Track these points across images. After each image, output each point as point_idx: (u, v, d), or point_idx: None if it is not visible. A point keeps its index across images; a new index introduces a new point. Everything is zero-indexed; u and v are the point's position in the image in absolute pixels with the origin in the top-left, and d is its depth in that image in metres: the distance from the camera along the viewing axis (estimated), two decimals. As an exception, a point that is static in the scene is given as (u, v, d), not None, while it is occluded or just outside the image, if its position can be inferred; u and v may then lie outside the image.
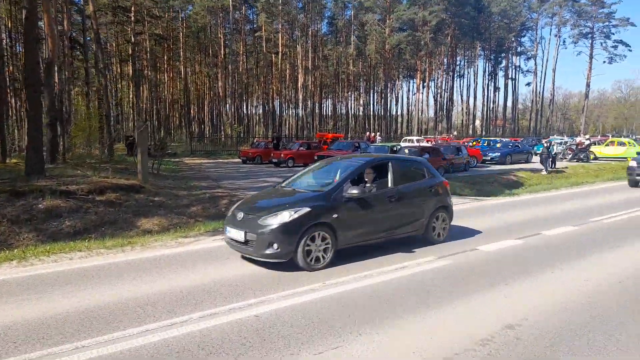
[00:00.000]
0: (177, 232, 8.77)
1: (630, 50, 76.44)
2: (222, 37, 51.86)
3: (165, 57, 57.04)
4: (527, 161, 27.68)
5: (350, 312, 4.63)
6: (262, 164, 25.47)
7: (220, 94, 53.52)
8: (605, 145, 31.32)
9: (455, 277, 5.84)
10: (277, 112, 59.28)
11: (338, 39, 64.78)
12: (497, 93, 79.07)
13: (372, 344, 3.92)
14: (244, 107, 64.40)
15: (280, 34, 52.94)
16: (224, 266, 6.28)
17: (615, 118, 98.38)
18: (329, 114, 74.20)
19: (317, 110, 64.69)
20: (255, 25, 59.40)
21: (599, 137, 49.04)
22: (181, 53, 54.38)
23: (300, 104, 57.56)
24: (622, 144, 30.97)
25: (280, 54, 53.40)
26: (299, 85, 55.43)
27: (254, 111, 70.14)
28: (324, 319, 4.43)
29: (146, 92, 58.21)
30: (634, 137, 44.60)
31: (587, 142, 30.03)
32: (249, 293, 5.16)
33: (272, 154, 24.99)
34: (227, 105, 53.53)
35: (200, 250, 7.27)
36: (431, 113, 76.06)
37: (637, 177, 16.32)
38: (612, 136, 44.49)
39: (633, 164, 16.82)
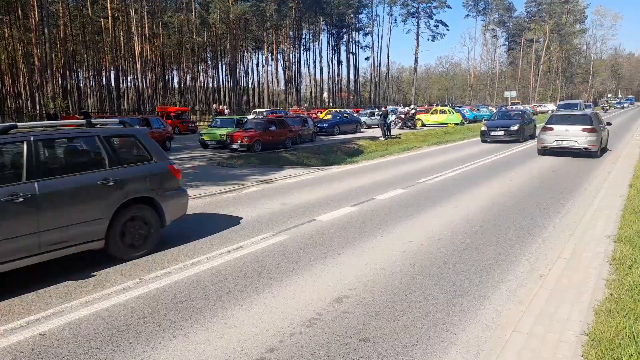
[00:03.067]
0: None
1: (448, 30, 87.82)
2: (33, -5, 43.79)
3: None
4: (357, 131, 28.92)
5: (168, 310, 4.03)
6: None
7: (37, 63, 45.68)
8: (431, 113, 35.23)
9: (290, 252, 5.62)
10: (113, 84, 53.26)
11: (178, 6, 60.37)
12: (340, 66, 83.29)
13: (186, 347, 3.39)
14: (72, 78, 56.40)
15: (108, -4, 46.99)
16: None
17: (439, 89, 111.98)
18: (175, 86, 69.63)
19: (160, 82, 59.96)
20: (77, -16, 51.70)
21: (426, 106, 55.18)
22: (-20, 12, 44.70)
23: (139, 75, 52.50)
24: (443, 112, 35.20)
25: (110, 18, 47.54)
26: (137, 54, 50.38)
27: (85, 83, 62.02)
28: (133, 325, 3.75)
29: None
30: (453, 106, 51.14)
31: (413, 111, 33.29)
32: (43, 304, 4.17)
33: None
34: (50, 77, 46.02)
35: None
36: (282, 85, 76.74)
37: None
38: (436, 105, 50.36)
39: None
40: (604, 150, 15.52)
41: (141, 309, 4.05)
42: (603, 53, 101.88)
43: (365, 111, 37.26)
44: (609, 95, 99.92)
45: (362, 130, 29.88)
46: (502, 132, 19.33)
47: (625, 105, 79.74)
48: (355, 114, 34.98)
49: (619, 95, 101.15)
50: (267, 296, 4.33)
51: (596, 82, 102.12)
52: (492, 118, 23.39)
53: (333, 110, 40.29)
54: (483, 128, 20.18)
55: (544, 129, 14.97)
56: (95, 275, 4.91)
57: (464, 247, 5.74)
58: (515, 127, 19.37)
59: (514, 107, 42.66)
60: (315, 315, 3.91)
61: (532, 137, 20.59)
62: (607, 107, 64.52)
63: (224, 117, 25.03)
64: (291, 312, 3.98)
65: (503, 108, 38.45)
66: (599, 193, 8.66)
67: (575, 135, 14.11)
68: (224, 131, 19.09)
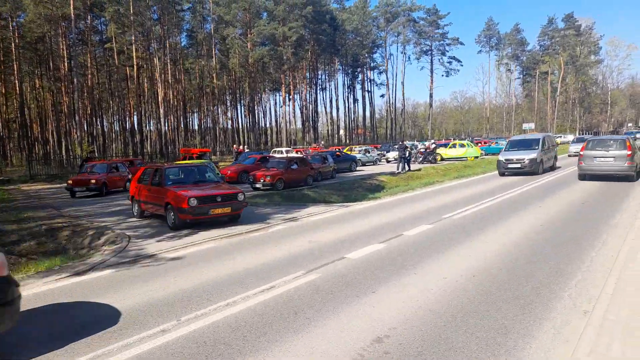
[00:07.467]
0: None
1: (462, 65, 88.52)
2: (64, 48, 46.31)
3: (-6, 71, 49.05)
4: (351, 169, 27.25)
5: (209, 352, 4.01)
6: (110, 193, 18.97)
7: (66, 110, 47.69)
8: (449, 147, 35.22)
9: (324, 291, 5.58)
10: (137, 129, 55.01)
11: (199, 52, 62.83)
12: (356, 104, 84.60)
13: (231, 390, 3.36)
14: (98, 124, 58.53)
15: (134, 46, 49.25)
16: (48, 317, 5.13)
17: (455, 123, 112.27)
18: (195, 128, 71.50)
19: (181, 125, 61.72)
20: (104, 37, 54.49)
21: (444, 140, 55.27)
22: (15, 66, 47.22)
23: (162, 119, 54.19)
24: (462, 145, 35.17)
25: (135, 66, 49.67)
26: (160, 99, 52.24)
27: (109, 128, 64.22)
28: (175, 367, 3.74)
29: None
30: (470, 139, 51.12)
31: (434, 145, 33.36)
32: (85, 347, 4.21)
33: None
34: (77, 123, 47.89)
35: (24, 298, 5.91)
36: (299, 124, 78.09)
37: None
38: (454, 139, 50.40)
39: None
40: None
41: (181, 352, 4.04)
42: (620, 83, 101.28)
43: (360, 148, 36.00)
44: (629, 125, 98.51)
45: (357, 168, 28.42)
46: None
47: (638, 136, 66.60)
48: (375, 150, 35.24)
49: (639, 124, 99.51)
50: (305, 337, 4.28)
51: (615, 111, 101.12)
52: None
53: (332, 148, 39.87)
54: None
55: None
56: (131, 317, 4.95)
57: (500, 284, 5.61)
58: None
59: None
60: (357, 356, 3.85)
61: None
62: None
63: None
64: (333, 352, 3.93)
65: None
66: (634, 225, 8.44)
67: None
68: None
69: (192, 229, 10.24)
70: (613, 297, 4.93)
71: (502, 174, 20.00)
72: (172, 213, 10.29)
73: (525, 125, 62.39)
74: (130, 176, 20.28)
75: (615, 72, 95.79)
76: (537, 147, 19.62)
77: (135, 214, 12.38)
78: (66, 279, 6.76)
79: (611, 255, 6.59)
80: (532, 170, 18.94)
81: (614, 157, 15.74)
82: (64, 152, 49.30)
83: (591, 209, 10.74)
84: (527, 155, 19.14)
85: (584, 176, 16.66)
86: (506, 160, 19.73)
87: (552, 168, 21.53)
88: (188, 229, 10.19)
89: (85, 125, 53.41)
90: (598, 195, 13.17)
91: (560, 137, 61.40)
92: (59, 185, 23.87)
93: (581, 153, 16.75)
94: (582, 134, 69.28)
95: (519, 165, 19.17)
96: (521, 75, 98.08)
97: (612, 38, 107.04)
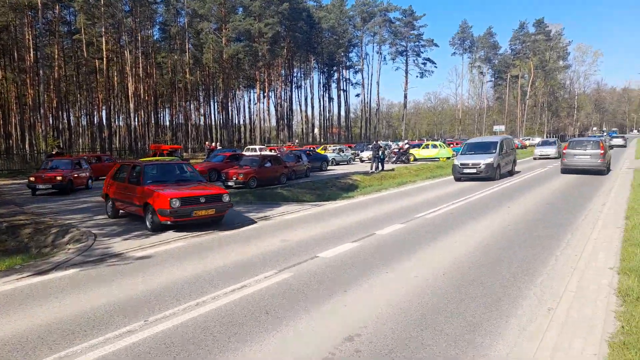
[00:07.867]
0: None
1: (436, 67, 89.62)
2: (30, 38, 44.62)
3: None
4: (322, 169, 27.10)
5: (177, 353, 3.93)
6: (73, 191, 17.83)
7: (30, 103, 45.95)
8: (422, 148, 35.74)
9: (296, 290, 5.55)
10: (105, 123, 53.52)
11: (172, 46, 61.60)
12: (331, 103, 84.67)
13: (199, 392, 3.30)
14: (64, 118, 56.69)
15: (104, 38, 47.87)
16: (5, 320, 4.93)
17: (428, 124, 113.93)
18: (167, 124, 70.14)
19: (152, 121, 60.38)
20: (73, 28, 52.76)
21: (417, 141, 56.05)
22: (-25, 55, 45.26)
23: (132, 114, 52.91)
24: (435, 146, 35.75)
25: (105, 59, 48.30)
26: (130, 93, 50.92)
27: (76, 122, 62.22)
28: (142, 369, 3.65)
29: None
30: (443, 140, 51.97)
31: (407, 145, 33.77)
32: (47, 349, 4.05)
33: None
34: (42, 117, 46.20)
35: (-17, 298, 5.66)
36: (273, 122, 77.57)
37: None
38: (427, 140, 51.13)
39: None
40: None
41: (149, 352, 3.94)
42: (586, 88, 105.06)
43: (334, 147, 35.98)
44: (594, 129, 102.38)
45: (331, 167, 28.64)
46: None
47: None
48: (349, 150, 35.43)
49: (604, 129, 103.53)
50: (276, 336, 4.25)
51: (581, 115, 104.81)
52: None
53: (305, 147, 39.77)
54: None
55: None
56: (96, 318, 4.80)
57: (469, 282, 5.72)
58: None
59: None
60: (328, 355, 3.84)
61: None
62: None
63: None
64: (303, 351, 3.91)
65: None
66: (597, 225, 8.75)
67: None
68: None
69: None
70: (576, 295, 5.10)
71: (457, 179, 18.91)
72: (151, 214, 9.57)
73: (496, 127, 63.98)
74: (88, 173, 19.75)
75: (582, 77, 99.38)
76: (494, 151, 18.57)
77: (109, 213, 11.61)
78: (28, 278, 6.51)
79: (575, 255, 6.82)
80: (488, 175, 17.97)
81: (590, 155, 19.01)
82: (27, 146, 47.47)
83: (556, 210, 11.08)
84: (484, 160, 18.15)
85: (565, 170, 19.78)
86: (462, 164, 18.65)
87: (511, 173, 20.59)
88: (168, 231, 9.66)
89: (50, 119, 51.60)
90: (563, 196, 13.61)
91: (529, 139, 63.17)
92: (21, 181, 22.97)
93: (564, 151, 20.10)
94: (548, 137, 71.58)
95: (474, 170, 18.20)
96: (493, 78, 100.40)
97: (580, 44, 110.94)
